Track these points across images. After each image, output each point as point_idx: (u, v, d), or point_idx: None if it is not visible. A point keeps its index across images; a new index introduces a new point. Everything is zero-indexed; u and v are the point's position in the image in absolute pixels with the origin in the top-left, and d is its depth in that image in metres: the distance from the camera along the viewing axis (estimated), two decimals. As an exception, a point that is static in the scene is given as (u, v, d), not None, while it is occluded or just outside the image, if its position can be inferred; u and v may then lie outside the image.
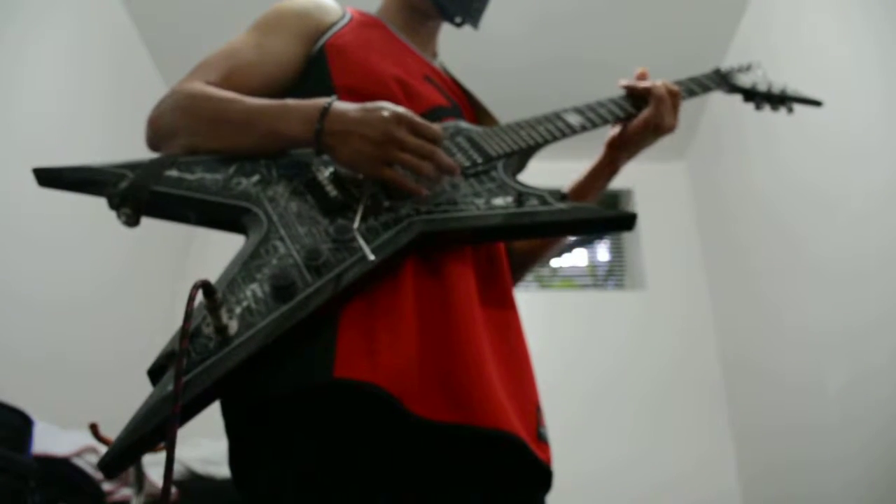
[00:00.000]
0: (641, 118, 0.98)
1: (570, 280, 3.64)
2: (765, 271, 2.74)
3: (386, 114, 0.75)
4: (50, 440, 1.60)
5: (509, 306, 0.87)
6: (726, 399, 3.07)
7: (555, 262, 3.61)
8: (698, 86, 1.10)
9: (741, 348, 2.99)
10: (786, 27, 2.58)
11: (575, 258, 3.63)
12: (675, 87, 1.02)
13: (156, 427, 0.58)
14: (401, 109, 0.77)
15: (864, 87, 2.07)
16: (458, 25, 1.11)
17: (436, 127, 0.78)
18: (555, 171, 2.38)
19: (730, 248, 3.13)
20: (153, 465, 1.70)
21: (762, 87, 1.17)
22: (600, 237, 3.56)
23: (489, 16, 1.15)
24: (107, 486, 1.70)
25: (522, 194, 0.81)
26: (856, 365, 2.05)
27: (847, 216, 2.13)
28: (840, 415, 2.13)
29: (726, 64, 1.20)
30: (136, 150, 0.82)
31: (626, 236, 3.54)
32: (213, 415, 0.68)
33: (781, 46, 2.59)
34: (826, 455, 2.19)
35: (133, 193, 0.72)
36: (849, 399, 2.08)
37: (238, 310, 0.64)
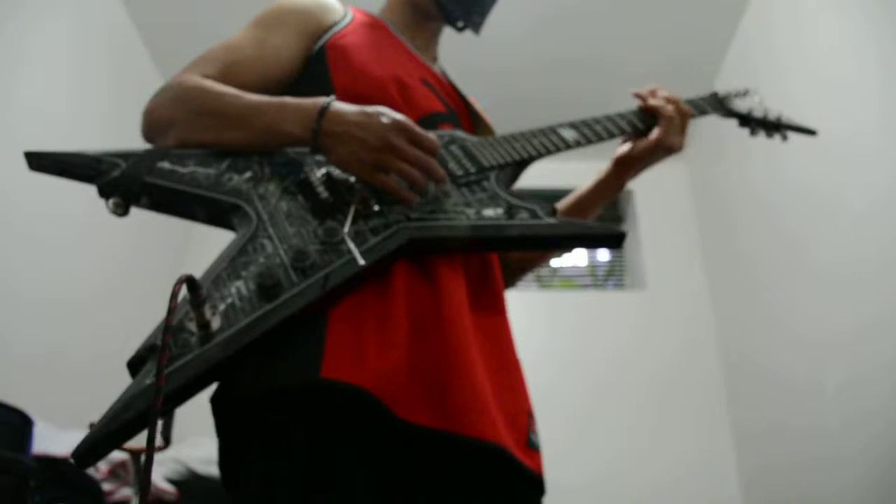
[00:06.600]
0: (651, 139, 0.99)
1: (570, 280, 3.64)
2: (765, 272, 2.73)
3: (385, 120, 0.75)
4: (50, 440, 1.59)
5: (500, 313, 0.87)
6: (726, 399, 3.06)
7: (555, 262, 3.60)
8: (695, 108, 1.10)
9: (741, 349, 2.98)
10: (786, 28, 2.58)
11: (575, 258, 3.62)
12: (686, 107, 1.02)
13: (130, 419, 0.58)
14: (400, 117, 0.77)
15: (865, 89, 2.06)
16: (460, 30, 1.11)
17: (433, 137, 0.78)
18: (565, 171, 2.39)
19: (730, 248, 3.13)
20: (154, 466, 1.70)
21: (758, 114, 1.16)
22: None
23: (489, 15, 1.15)
24: (107, 486, 1.70)
25: (513, 207, 0.81)
26: (855, 366, 2.05)
27: (847, 218, 2.13)
28: (839, 416, 2.13)
29: (724, 81, 1.20)
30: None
31: (627, 236, 3.52)
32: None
33: (781, 47, 2.59)
34: (826, 456, 2.18)
35: (124, 183, 0.72)
36: (848, 400, 2.08)
37: (222, 306, 0.64)
